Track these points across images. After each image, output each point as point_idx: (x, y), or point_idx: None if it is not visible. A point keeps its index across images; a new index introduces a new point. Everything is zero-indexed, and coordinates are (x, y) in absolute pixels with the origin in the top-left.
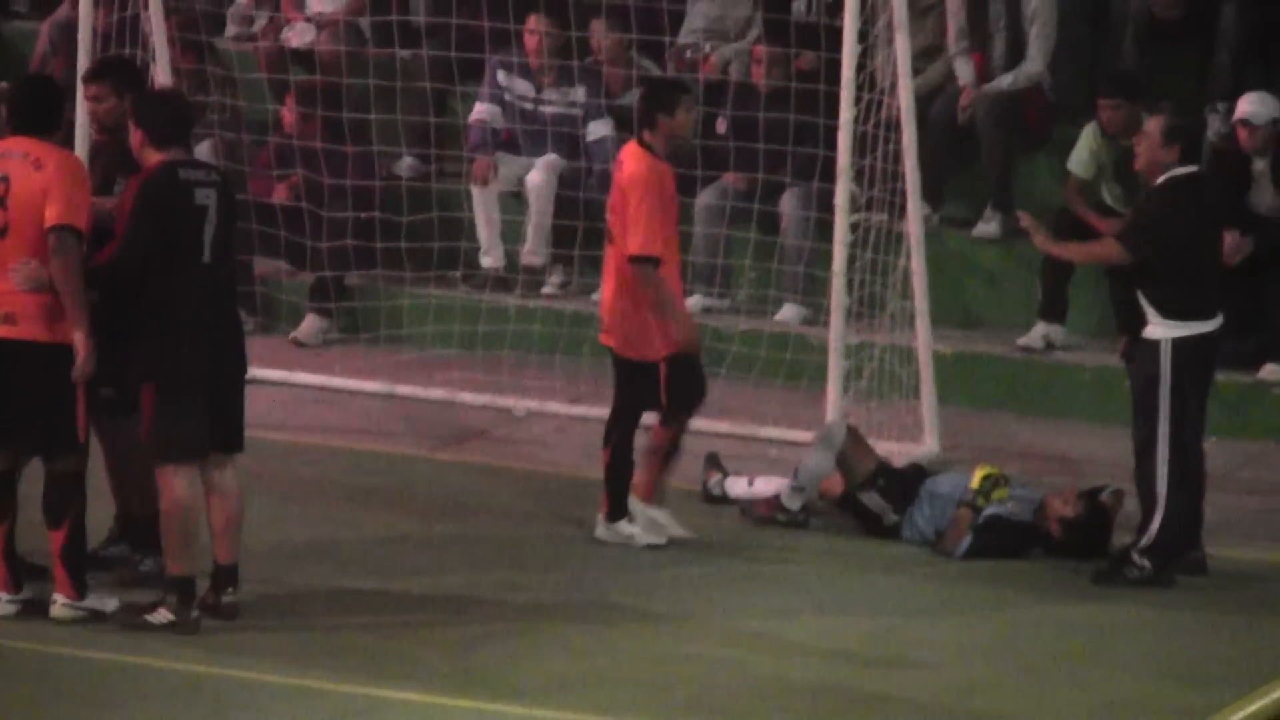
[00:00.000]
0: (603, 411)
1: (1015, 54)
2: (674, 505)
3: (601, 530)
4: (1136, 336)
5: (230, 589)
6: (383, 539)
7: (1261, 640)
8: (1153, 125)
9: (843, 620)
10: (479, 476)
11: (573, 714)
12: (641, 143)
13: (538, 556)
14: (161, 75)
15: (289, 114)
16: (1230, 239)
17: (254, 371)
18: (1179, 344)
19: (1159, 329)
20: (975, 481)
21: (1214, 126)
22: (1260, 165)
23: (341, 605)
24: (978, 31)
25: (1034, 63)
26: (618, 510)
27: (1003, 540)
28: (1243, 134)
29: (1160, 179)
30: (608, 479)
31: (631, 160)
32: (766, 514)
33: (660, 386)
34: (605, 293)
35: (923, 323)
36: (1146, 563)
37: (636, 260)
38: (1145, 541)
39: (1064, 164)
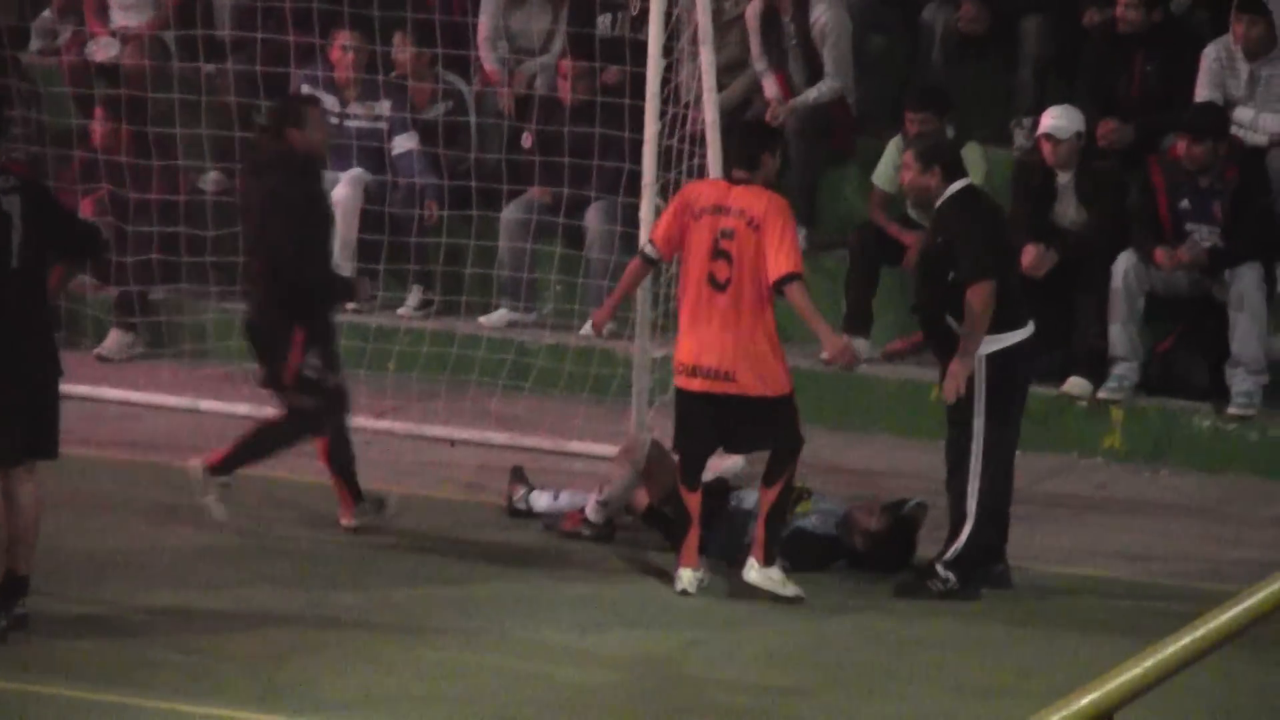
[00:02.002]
0: (408, 426)
1: (814, 71)
2: (478, 519)
3: (756, 574)
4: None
5: (21, 601)
6: (186, 554)
7: (1062, 654)
8: (908, 157)
9: (648, 633)
10: (283, 490)
11: None
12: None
13: (344, 571)
14: None
15: (98, 127)
16: (1034, 252)
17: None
18: (994, 357)
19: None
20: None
21: (1018, 140)
22: (1064, 179)
23: (144, 620)
24: (775, 50)
25: (832, 78)
26: (772, 555)
27: (806, 553)
28: (1046, 148)
29: (939, 202)
30: (769, 521)
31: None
32: (571, 528)
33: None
34: (716, 342)
35: None
36: (951, 575)
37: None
38: (951, 554)
39: (868, 177)
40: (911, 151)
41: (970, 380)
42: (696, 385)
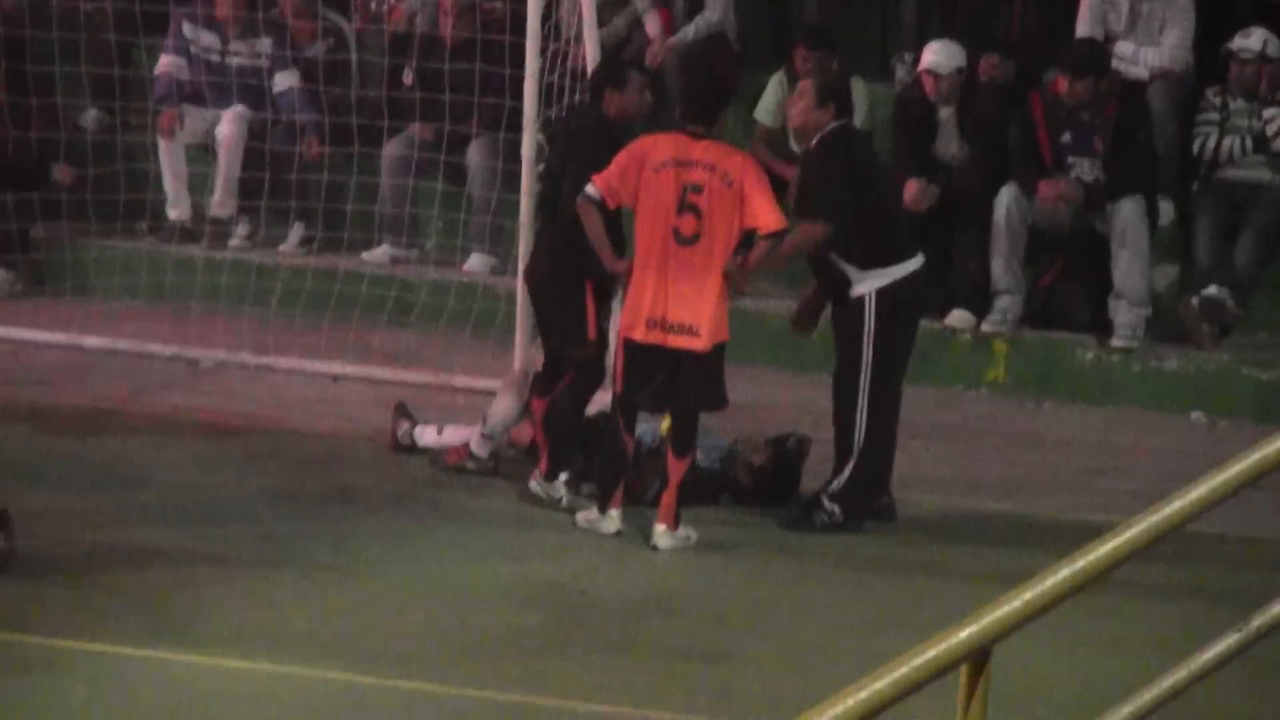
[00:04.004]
0: (291, 362)
1: (694, 5)
2: (362, 455)
3: (668, 540)
4: (842, 301)
5: None
6: (67, 490)
7: (944, 587)
8: (805, 86)
9: (530, 567)
10: (166, 428)
11: (261, 665)
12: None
13: (225, 508)
14: None
15: None
16: (916, 187)
17: None
18: (881, 292)
19: (861, 285)
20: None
21: (900, 76)
22: (945, 113)
23: (25, 560)
24: None
25: (712, 11)
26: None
27: (691, 488)
28: (928, 83)
29: (814, 139)
30: (680, 488)
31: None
32: (456, 462)
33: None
34: (687, 297)
35: None
36: (836, 508)
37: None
38: (835, 487)
39: (750, 113)
40: (810, 84)
41: (859, 314)
42: (657, 338)
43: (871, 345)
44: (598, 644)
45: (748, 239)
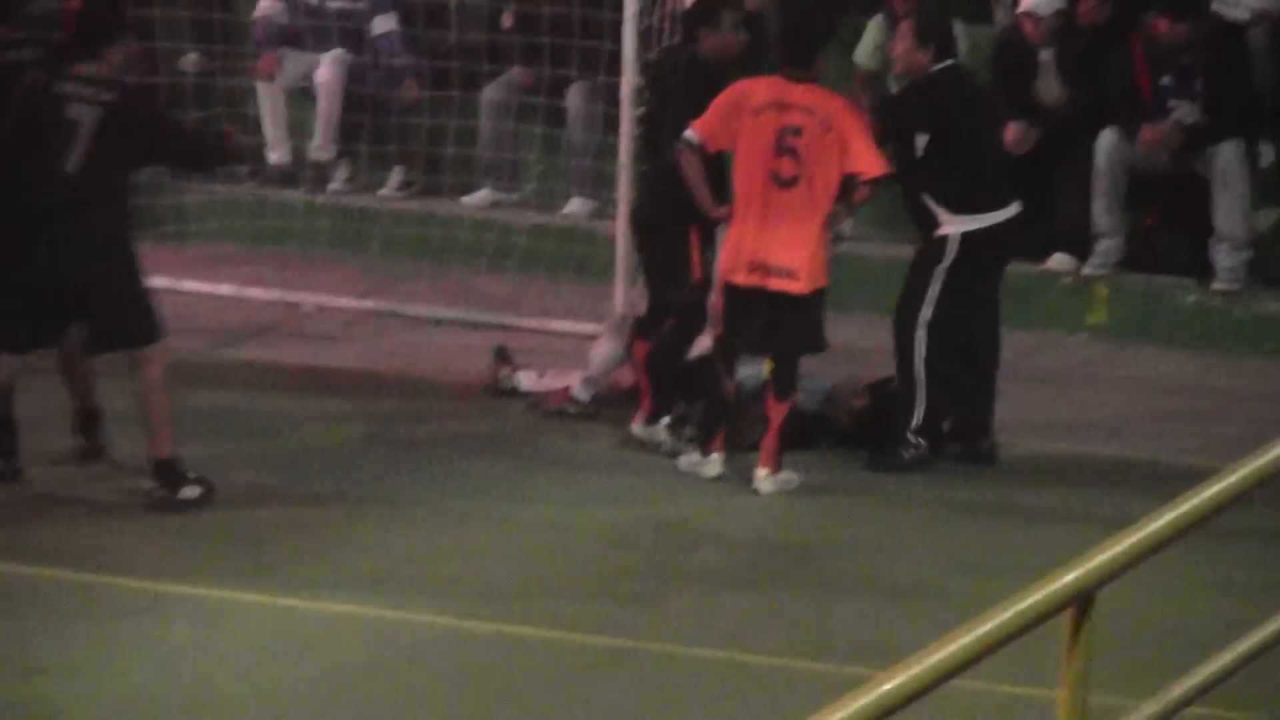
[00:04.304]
0: (391, 306)
1: None
2: (462, 399)
3: (771, 483)
4: (928, 238)
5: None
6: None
7: (1045, 531)
8: (905, 28)
9: (631, 511)
10: (265, 373)
11: (363, 608)
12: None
13: (325, 453)
14: None
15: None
16: (1015, 129)
17: None
18: (967, 236)
19: (950, 226)
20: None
21: (999, 18)
22: (1045, 56)
23: (125, 505)
24: None
25: None
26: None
27: (792, 431)
28: (1028, 25)
29: (917, 80)
30: (781, 432)
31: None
32: (557, 406)
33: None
34: (786, 239)
35: None
36: (922, 441)
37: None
38: (915, 422)
39: (849, 57)
40: (910, 23)
41: (939, 251)
42: (757, 280)
43: (942, 281)
44: (698, 588)
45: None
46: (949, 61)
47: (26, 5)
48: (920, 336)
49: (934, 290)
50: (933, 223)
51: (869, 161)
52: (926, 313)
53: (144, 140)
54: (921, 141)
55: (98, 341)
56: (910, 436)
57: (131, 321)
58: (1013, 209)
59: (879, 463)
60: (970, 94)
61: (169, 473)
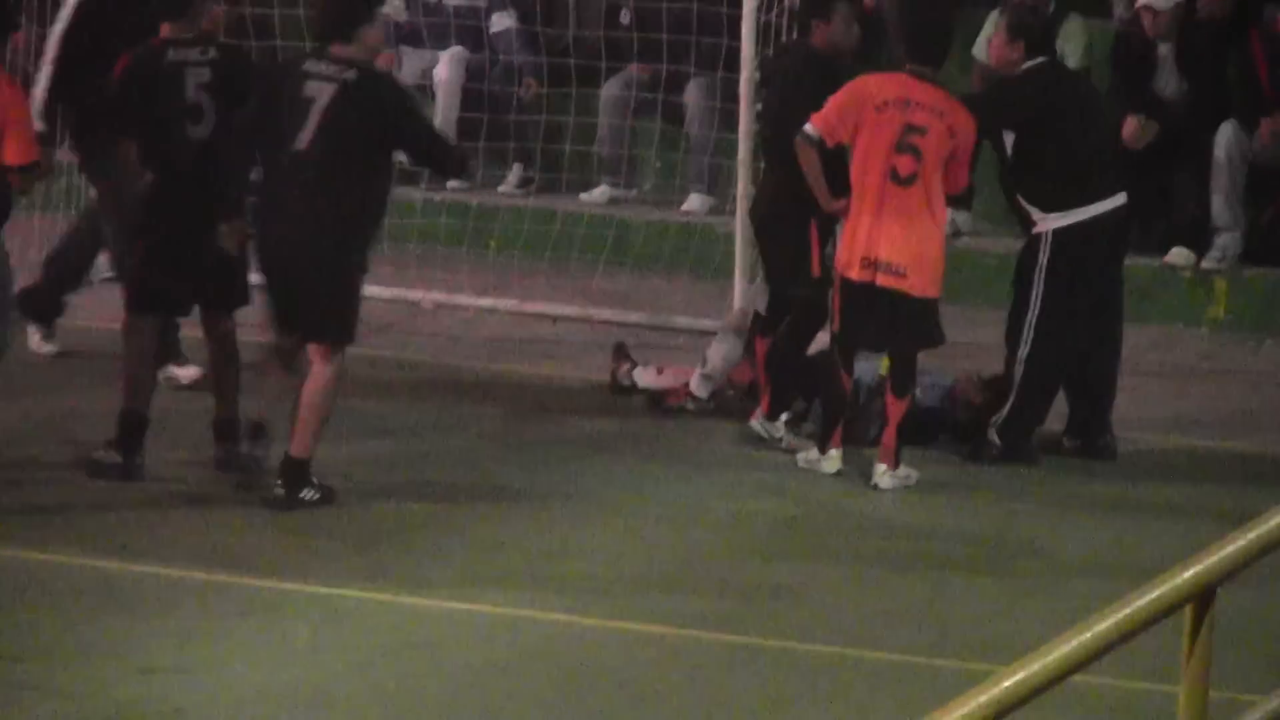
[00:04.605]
0: (510, 304)
1: None
2: (581, 396)
3: (890, 479)
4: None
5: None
6: (284, 433)
7: (1164, 526)
8: (1000, 25)
9: (751, 507)
10: (385, 370)
11: (484, 606)
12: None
13: (444, 450)
14: None
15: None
16: (1134, 124)
17: None
18: (1061, 232)
19: (1043, 223)
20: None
21: (1118, 12)
22: (1164, 50)
23: (246, 505)
24: None
25: None
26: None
27: (911, 427)
28: (1147, 19)
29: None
30: (900, 428)
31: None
32: (676, 403)
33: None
34: (898, 237)
35: None
36: (999, 442)
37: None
38: (997, 421)
39: (968, 51)
40: (1004, 20)
41: (1035, 251)
42: (869, 276)
43: (1043, 282)
44: (818, 585)
45: None
46: (1039, 59)
47: (194, 6)
48: (1027, 339)
49: (1037, 289)
50: (1028, 220)
51: (953, 180)
52: (1032, 313)
53: (380, 121)
54: (1009, 140)
55: (286, 323)
56: (991, 433)
57: (347, 315)
58: (1110, 203)
59: (970, 456)
60: (1059, 91)
61: (297, 473)
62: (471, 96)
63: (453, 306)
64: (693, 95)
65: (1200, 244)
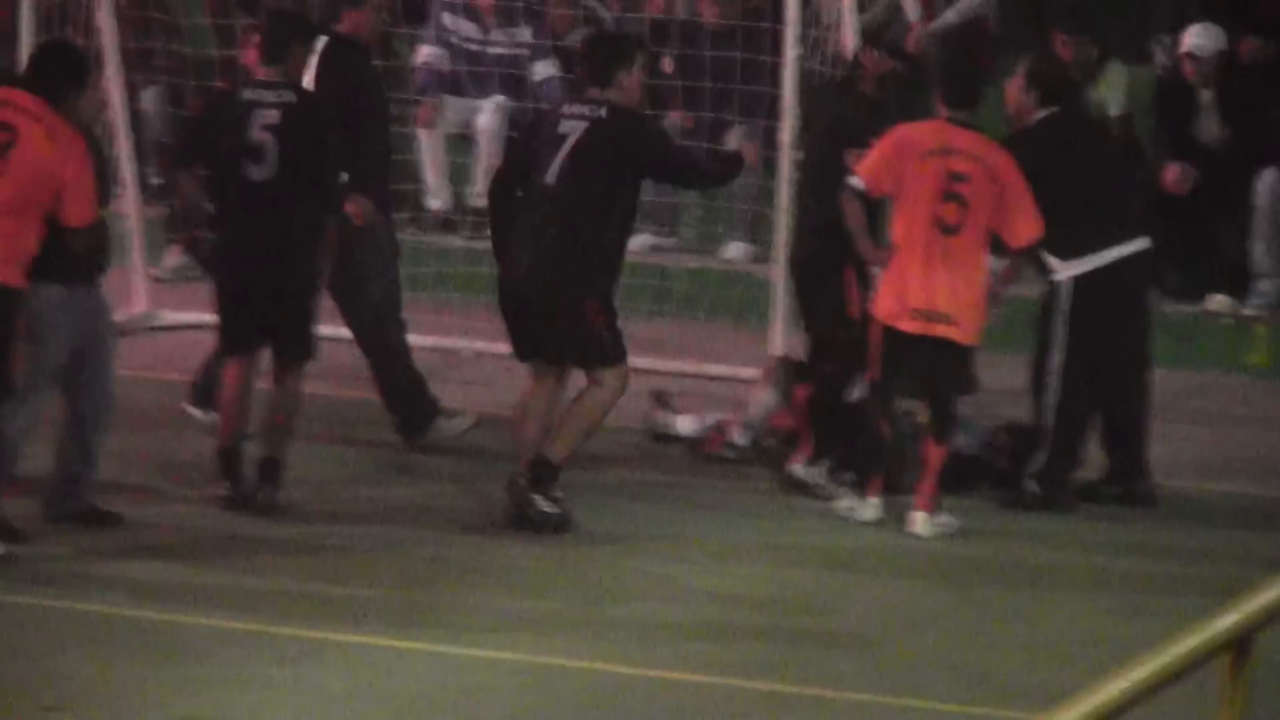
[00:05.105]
0: None
1: None
2: (621, 443)
3: (928, 527)
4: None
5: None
6: (323, 485)
7: (1203, 572)
8: (1019, 71)
9: (790, 556)
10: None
11: (521, 655)
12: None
13: (483, 498)
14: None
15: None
16: (1176, 170)
17: (178, 316)
18: (1080, 279)
19: (1060, 271)
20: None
21: (1159, 59)
22: (1206, 96)
23: (281, 552)
24: None
25: None
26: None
27: (950, 474)
28: (1188, 66)
29: (1025, 125)
30: (940, 475)
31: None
32: (715, 450)
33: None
34: (946, 286)
35: None
36: (1036, 488)
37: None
38: (1033, 468)
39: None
40: (1024, 68)
41: (1055, 298)
42: (922, 328)
43: (1065, 328)
44: (855, 632)
45: None
46: (1054, 109)
47: (279, 50)
48: (1054, 387)
49: (1059, 336)
50: (1045, 269)
51: (1027, 229)
52: (1056, 359)
53: (629, 155)
54: None
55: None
56: (1027, 481)
57: (593, 341)
58: (1130, 247)
59: (1007, 503)
60: (1073, 141)
61: (546, 473)
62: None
63: (492, 355)
64: (734, 143)
65: (1240, 290)
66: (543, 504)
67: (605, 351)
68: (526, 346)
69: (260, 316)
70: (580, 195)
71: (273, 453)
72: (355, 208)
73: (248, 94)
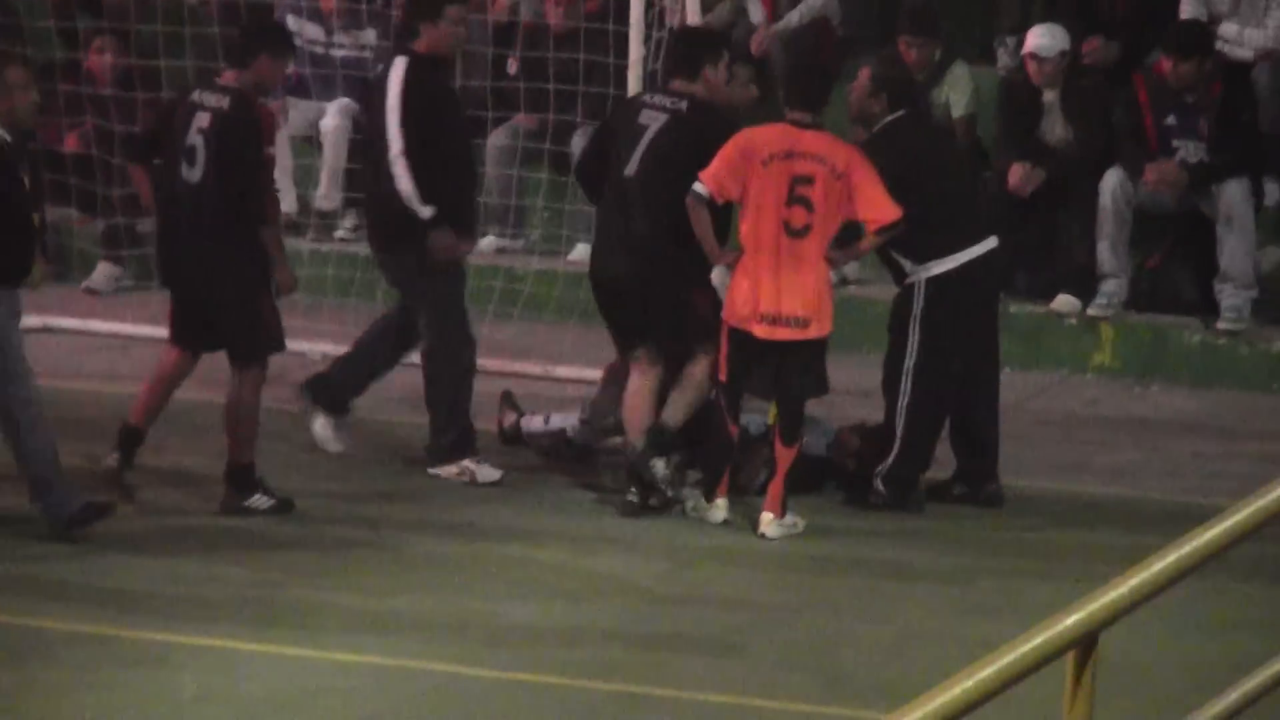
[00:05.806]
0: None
1: None
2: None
3: (776, 528)
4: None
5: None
6: (173, 481)
7: (1049, 572)
8: (862, 74)
9: (638, 556)
10: (273, 419)
11: (370, 657)
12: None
13: (331, 500)
14: None
15: (96, 59)
16: (1020, 170)
17: (47, 320)
18: (933, 280)
19: (914, 274)
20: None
21: (1003, 60)
22: (1050, 97)
23: (132, 555)
24: None
25: None
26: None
27: (798, 475)
28: (1031, 67)
29: (873, 129)
30: (787, 476)
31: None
32: (560, 448)
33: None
34: (800, 290)
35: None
36: (884, 490)
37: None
38: (882, 470)
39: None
40: (869, 70)
41: (909, 300)
42: (772, 333)
43: (918, 330)
44: (706, 633)
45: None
46: (900, 113)
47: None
48: (905, 389)
49: (914, 338)
50: (899, 271)
51: (881, 210)
52: (910, 361)
53: (705, 148)
54: None
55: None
56: (877, 483)
57: (678, 324)
58: (981, 247)
59: (850, 501)
60: (921, 144)
61: (662, 439)
62: (359, 147)
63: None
64: (579, 144)
65: (1086, 291)
66: (662, 467)
67: (710, 331)
68: (629, 339)
69: (200, 317)
70: (662, 188)
71: (230, 459)
72: (437, 243)
73: (196, 95)
